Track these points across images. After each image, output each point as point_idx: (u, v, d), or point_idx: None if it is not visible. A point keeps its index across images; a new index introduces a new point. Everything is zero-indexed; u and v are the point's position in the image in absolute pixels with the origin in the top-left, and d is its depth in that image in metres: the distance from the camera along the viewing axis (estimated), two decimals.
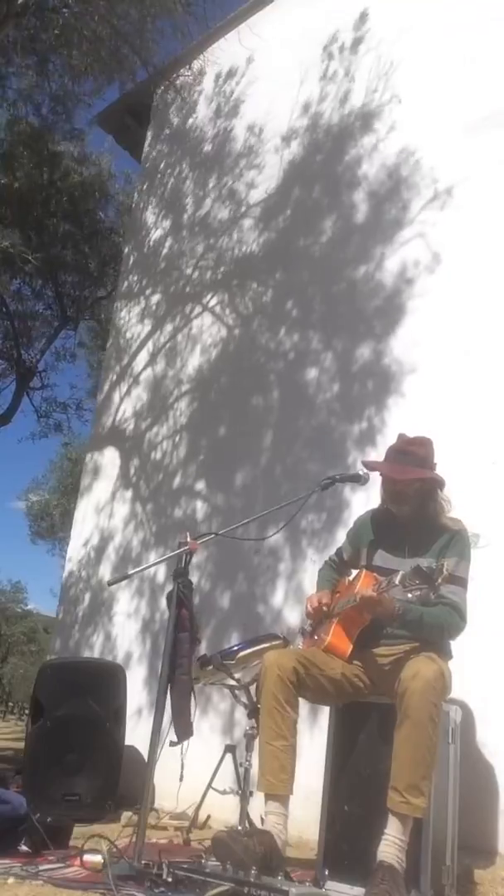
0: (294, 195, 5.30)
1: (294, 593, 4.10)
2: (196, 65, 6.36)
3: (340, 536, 3.29)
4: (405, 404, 4.07)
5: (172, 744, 2.49)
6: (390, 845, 2.26)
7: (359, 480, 2.86)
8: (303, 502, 2.89)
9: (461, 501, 2.80)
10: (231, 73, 6.14)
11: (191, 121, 6.43)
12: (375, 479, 2.86)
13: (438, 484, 2.72)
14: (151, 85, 6.69)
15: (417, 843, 2.35)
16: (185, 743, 2.60)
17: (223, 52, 6.06)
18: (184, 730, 2.45)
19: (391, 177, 4.66)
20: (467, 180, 4.19)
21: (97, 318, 11.00)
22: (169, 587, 2.66)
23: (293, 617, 3.96)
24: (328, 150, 5.17)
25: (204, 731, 4.00)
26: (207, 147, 6.17)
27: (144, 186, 6.78)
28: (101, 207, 9.90)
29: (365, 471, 2.87)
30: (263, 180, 5.52)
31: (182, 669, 2.47)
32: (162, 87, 6.51)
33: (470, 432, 3.60)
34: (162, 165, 6.60)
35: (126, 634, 5.03)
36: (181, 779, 2.93)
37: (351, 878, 2.43)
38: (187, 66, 6.43)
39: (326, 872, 2.54)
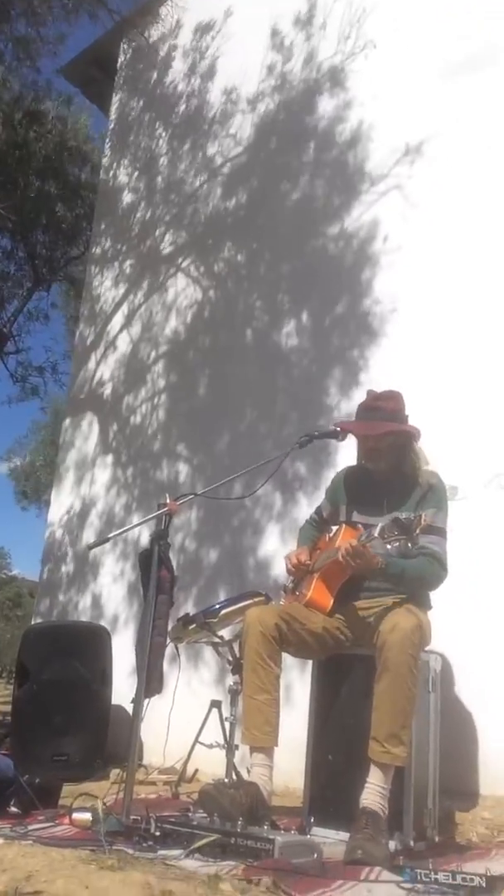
0: (265, 153, 5.18)
1: (278, 552, 4.11)
2: (164, 12, 6.13)
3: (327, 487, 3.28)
4: (384, 358, 4.05)
5: (132, 701, 2.51)
6: (373, 793, 2.31)
7: (336, 436, 2.85)
8: (281, 460, 2.89)
9: (438, 453, 2.81)
10: (201, 27, 5.91)
11: (159, 76, 6.21)
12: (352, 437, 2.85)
13: (412, 437, 2.72)
14: (118, 35, 6.45)
15: (400, 788, 2.41)
16: (171, 700, 2.63)
17: (193, 0, 5.84)
18: (152, 688, 2.48)
19: (364, 130, 4.56)
20: (440, 131, 4.11)
21: (70, 278, 10.78)
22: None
23: (277, 575, 3.98)
24: (299, 107, 5.02)
25: (190, 687, 4.05)
26: (177, 104, 5.97)
27: (114, 145, 6.58)
28: (76, 164, 9.61)
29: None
30: (234, 138, 5.38)
31: (157, 630, 2.49)
32: (129, 39, 6.29)
33: (448, 384, 3.61)
34: (131, 123, 6.41)
35: (112, 598, 5.04)
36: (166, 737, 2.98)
37: (336, 824, 2.49)
38: (156, 16, 6.20)
39: (312, 820, 2.60)
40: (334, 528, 2.91)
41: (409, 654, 2.35)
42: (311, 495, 4.02)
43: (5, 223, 9.03)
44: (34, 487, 15.55)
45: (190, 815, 2.38)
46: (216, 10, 5.73)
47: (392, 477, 2.74)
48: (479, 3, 4.15)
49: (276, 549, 4.13)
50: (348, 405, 4.04)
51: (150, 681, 2.44)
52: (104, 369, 5.76)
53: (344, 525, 2.77)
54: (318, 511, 3.06)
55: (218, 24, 5.78)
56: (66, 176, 9.44)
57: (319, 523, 3.04)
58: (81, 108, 9.49)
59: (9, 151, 8.54)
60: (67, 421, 6.06)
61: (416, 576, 2.56)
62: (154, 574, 2.53)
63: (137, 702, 2.39)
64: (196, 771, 3.63)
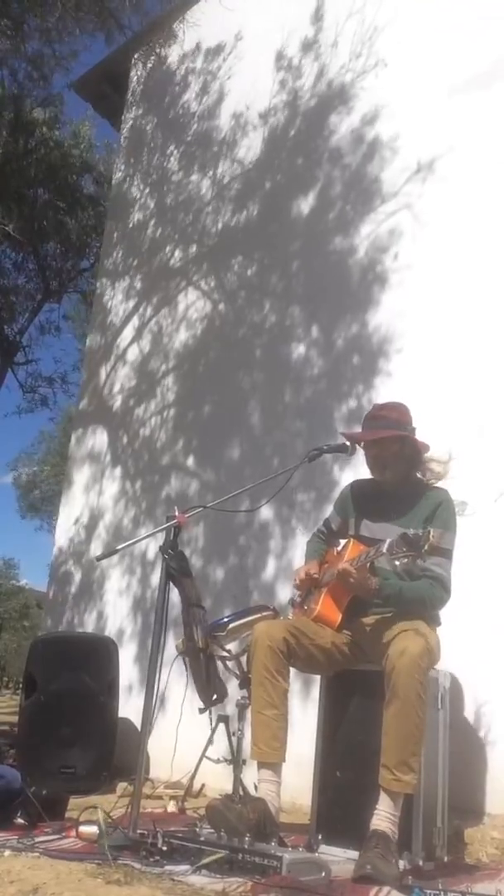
0: (277, 168, 5.21)
1: (285, 569, 4.11)
2: (176, 28, 6.19)
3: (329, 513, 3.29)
4: (393, 375, 4.05)
5: (201, 710, 2.63)
6: (382, 819, 2.28)
7: (345, 451, 2.86)
8: (290, 473, 2.88)
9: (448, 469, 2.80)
10: (213, 44, 5.98)
11: (171, 91, 6.28)
12: (362, 452, 2.86)
13: (418, 448, 2.72)
14: (129, 51, 6.53)
15: (409, 807, 2.39)
16: (178, 716, 2.63)
17: (203, 15, 5.90)
18: (207, 696, 2.52)
19: (374, 147, 4.57)
20: (452, 150, 4.11)
21: (81, 290, 10.86)
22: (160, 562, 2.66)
23: (284, 592, 3.98)
24: (310, 123, 5.06)
25: (197, 701, 4.03)
26: (189, 118, 6.03)
27: (126, 160, 6.64)
28: (81, 175, 9.70)
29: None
30: (246, 153, 5.42)
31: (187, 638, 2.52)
32: (140, 55, 6.36)
33: (456, 400, 3.60)
34: (144, 138, 6.47)
35: (118, 611, 5.04)
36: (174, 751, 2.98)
37: (344, 843, 2.47)
38: (168, 32, 6.26)
39: (320, 837, 2.59)
40: (342, 541, 2.90)
41: (418, 681, 2.33)
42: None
43: (13, 235, 9.09)
44: (40, 498, 15.59)
45: (197, 830, 2.37)
46: (228, 27, 5.77)
47: (401, 490, 2.73)
48: (488, 18, 4.17)
49: (282, 566, 4.13)
50: (358, 419, 4.04)
51: (215, 688, 2.52)
52: (114, 381, 5.78)
53: (352, 539, 2.76)
54: (327, 523, 3.05)
55: (230, 41, 5.84)
56: (73, 186, 9.51)
57: (328, 535, 3.03)
58: (88, 119, 9.62)
59: (13, 163, 8.61)
60: (76, 433, 6.08)
61: (416, 597, 2.54)
62: (162, 586, 2.54)
63: (146, 715, 2.38)
64: (203, 786, 3.61)
